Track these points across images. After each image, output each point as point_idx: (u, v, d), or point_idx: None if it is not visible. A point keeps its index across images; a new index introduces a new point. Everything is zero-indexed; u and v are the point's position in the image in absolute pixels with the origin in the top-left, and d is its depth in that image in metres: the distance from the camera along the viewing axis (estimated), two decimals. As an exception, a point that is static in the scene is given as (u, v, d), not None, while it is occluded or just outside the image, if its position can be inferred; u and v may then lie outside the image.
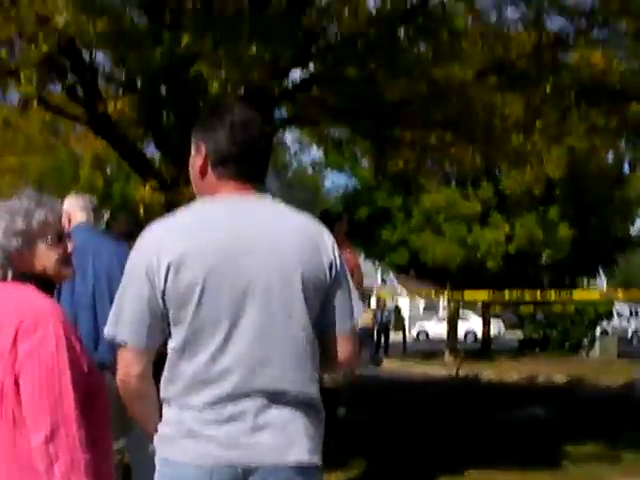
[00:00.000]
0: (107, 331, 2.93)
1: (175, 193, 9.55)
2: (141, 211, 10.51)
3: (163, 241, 2.85)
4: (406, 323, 42.12)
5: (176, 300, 2.81)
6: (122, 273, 5.63)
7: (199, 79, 9.55)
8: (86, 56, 10.46)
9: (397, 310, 40.37)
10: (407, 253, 32.58)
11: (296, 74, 10.61)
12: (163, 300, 2.82)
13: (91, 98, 10.22)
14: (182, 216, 2.96)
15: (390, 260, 34.11)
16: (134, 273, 2.89)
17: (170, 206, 10.23)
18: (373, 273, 48.04)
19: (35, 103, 10.11)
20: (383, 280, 56.11)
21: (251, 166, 2.98)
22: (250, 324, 2.82)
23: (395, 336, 37.37)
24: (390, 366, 28.26)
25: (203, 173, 3.01)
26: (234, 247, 2.84)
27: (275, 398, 2.83)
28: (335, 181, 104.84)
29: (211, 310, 2.80)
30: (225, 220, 2.89)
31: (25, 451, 2.95)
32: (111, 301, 5.47)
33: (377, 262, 36.92)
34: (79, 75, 10.24)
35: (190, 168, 3.10)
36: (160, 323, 2.86)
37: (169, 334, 2.89)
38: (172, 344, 2.88)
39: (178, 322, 2.83)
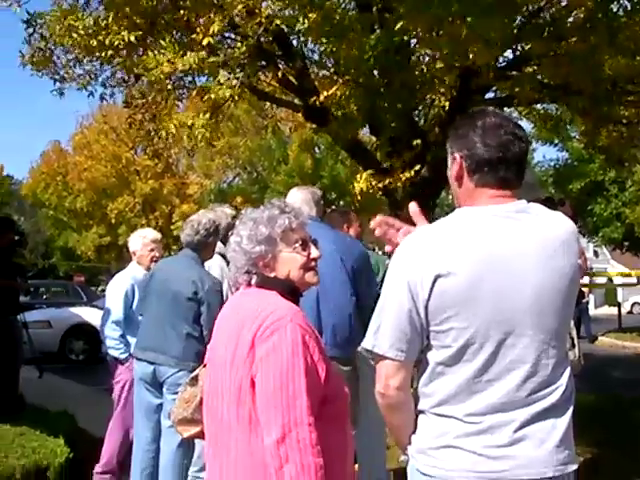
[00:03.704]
0: (366, 341, 2.93)
1: (392, 179, 9.58)
2: (358, 197, 10.56)
3: (426, 252, 2.81)
4: (620, 297, 41.01)
5: (440, 312, 2.78)
6: (338, 264, 5.71)
7: (414, 63, 9.58)
8: (296, 44, 10.60)
9: (609, 281, 39.28)
10: (621, 227, 31.71)
11: (509, 52, 10.40)
12: (426, 312, 2.80)
13: (303, 86, 10.33)
14: (443, 227, 2.91)
15: (604, 234, 33.28)
16: (396, 285, 2.86)
17: (387, 192, 10.33)
18: (586, 247, 47.11)
19: (246, 91, 10.33)
20: (596, 254, 54.88)
21: (507, 170, 2.91)
22: (521, 337, 2.79)
23: (608, 310, 36.42)
24: (605, 342, 27.43)
25: (460, 181, 2.97)
26: (499, 258, 2.79)
27: (542, 409, 2.80)
28: (545, 154, 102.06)
29: (479, 321, 2.76)
30: (487, 230, 2.84)
31: (259, 450, 3.01)
32: (332, 295, 5.60)
33: (590, 236, 35.88)
34: (290, 63, 10.36)
35: (449, 179, 3.06)
36: (420, 335, 2.84)
37: (428, 346, 2.87)
38: (434, 356, 2.86)
39: (442, 334, 2.81)
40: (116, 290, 7.89)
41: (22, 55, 10.87)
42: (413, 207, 3.19)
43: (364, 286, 5.96)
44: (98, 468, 7.71)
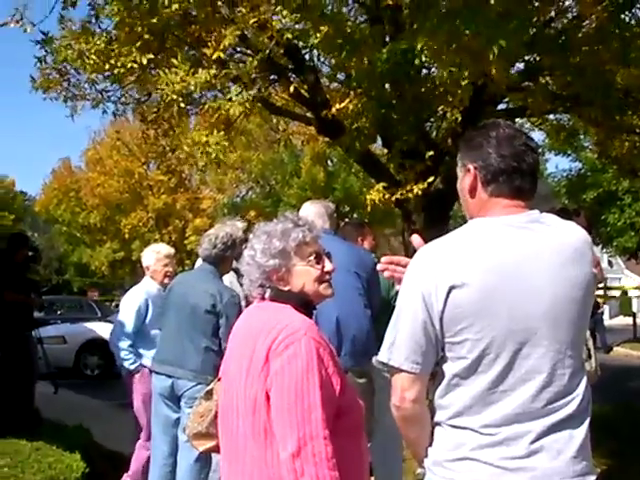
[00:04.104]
0: (381, 355, 2.92)
1: (404, 191, 9.59)
2: (368, 209, 10.59)
3: (441, 264, 2.80)
4: (635, 307, 40.88)
5: (455, 324, 2.77)
6: (353, 276, 5.72)
7: (426, 76, 9.59)
8: (308, 57, 10.63)
9: (624, 294, 39.20)
10: (635, 236, 31.65)
11: (521, 64, 10.42)
12: (440, 324, 2.79)
13: (315, 99, 10.36)
14: (457, 238, 2.91)
15: (618, 244, 33.22)
16: (410, 296, 2.85)
17: (400, 204, 10.35)
18: (600, 257, 46.86)
19: (257, 105, 10.35)
20: (610, 264, 54.72)
21: (522, 179, 2.92)
22: (536, 347, 2.78)
23: (623, 320, 36.27)
24: (620, 352, 27.33)
25: (473, 192, 2.97)
26: (513, 268, 2.79)
27: (559, 420, 2.79)
28: (558, 164, 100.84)
29: (494, 332, 2.76)
30: (501, 241, 2.84)
31: (274, 464, 3.01)
32: (349, 307, 5.61)
33: (604, 246, 35.77)
34: (302, 77, 10.39)
35: (459, 192, 3.07)
36: (435, 347, 2.84)
37: (444, 358, 2.86)
38: (450, 368, 2.85)
39: (457, 345, 2.80)
40: (129, 304, 7.93)
41: (33, 80, 10.91)
42: (417, 240, 3.19)
43: (375, 298, 6.00)
44: (127, 478, 7.75)
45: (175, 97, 8.84)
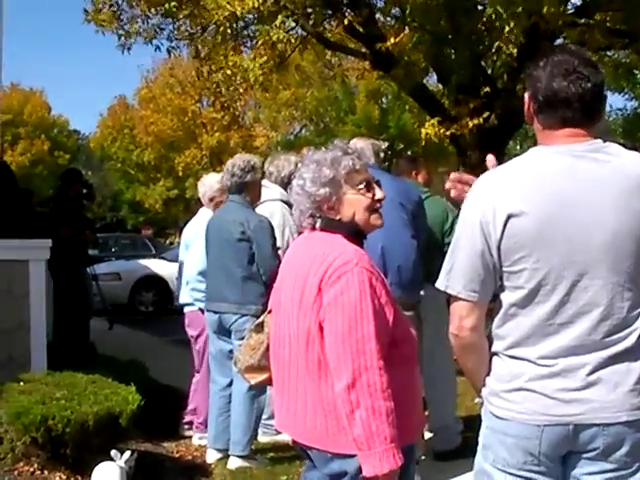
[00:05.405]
0: (439, 282, 2.89)
1: (459, 126, 9.50)
2: (422, 143, 10.49)
3: (499, 192, 2.76)
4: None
5: (513, 253, 2.73)
6: (398, 207, 5.68)
7: (482, 11, 9.43)
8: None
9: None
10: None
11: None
12: (498, 253, 2.75)
13: (370, 34, 10.26)
14: (516, 167, 2.84)
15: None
16: (468, 225, 2.81)
17: (454, 139, 10.25)
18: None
19: (312, 41, 10.29)
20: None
21: (568, 109, 2.80)
22: (594, 279, 2.72)
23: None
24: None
25: (531, 121, 2.91)
26: (573, 197, 2.72)
27: (617, 352, 2.74)
28: (613, 103, 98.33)
29: (552, 262, 2.71)
30: (561, 169, 2.75)
31: (329, 395, 3.02)
32: (394, 236, 5.57)
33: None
34: (356, 11, 10.29)
35: None
36: (493, 276, 2.80)
37: (502, 287, 2.82)
38: (507, 297, 2.81)
39: (515, 275, 2.76)
40: (197, 240, 7.56)
41: (86, 12, 10.92)
42: (491, 160, 3.10)
43: (421, 231, 5.96)
44: (191, 416, 7.76)
45: (222, 20, 8.84)
